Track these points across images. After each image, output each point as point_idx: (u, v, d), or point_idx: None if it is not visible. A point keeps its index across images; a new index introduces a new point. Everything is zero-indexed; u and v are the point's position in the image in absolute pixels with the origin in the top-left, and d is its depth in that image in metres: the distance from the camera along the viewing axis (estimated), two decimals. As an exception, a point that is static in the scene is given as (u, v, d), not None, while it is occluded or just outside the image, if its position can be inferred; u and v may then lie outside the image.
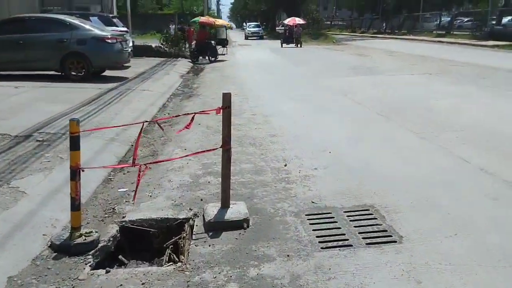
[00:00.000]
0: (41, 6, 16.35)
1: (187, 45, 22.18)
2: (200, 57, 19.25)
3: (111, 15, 14.89)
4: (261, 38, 45.99)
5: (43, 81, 10.69)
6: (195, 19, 22.86)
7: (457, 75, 12.49)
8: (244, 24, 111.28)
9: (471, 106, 8.34)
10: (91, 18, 13.44)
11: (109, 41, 11.30)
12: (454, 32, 35.43)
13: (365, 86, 11.05)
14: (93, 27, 11.53)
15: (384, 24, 50.92)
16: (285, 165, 5.08)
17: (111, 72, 12.48)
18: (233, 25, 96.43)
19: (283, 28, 34.33)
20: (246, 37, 46.80)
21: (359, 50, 24.90)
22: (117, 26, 13.71)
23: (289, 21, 32.19)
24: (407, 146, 5.85)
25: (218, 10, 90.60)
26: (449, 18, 42.63)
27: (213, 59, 19.13)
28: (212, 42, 20.07)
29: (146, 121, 3.78)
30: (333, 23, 56.37)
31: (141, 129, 3.47)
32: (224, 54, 21.92)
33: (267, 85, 11.92)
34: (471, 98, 9.16)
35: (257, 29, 49.53)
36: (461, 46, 26.22)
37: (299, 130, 6.78)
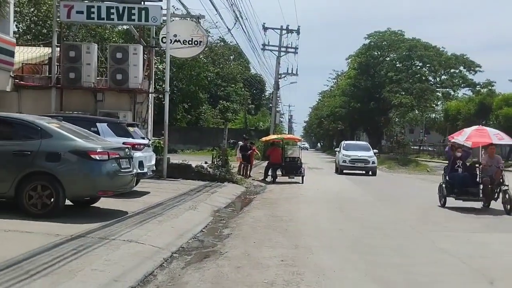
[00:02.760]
0: (58, 110, 13.31)
1: (242, 166, 18.10)
2: (287, 177, 17.80)
3: (127, 122, 11.14)
4: (371, 173, 23.62)
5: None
6: (280, 136, 23.39)
7: None
8: (319, 144, 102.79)
9: None
10: (98, 124, 9.68)
11: (97, 157, 7.23)
12: None
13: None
14: (76, 136, 7.52)
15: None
16: None
17: (109, 201, 8.32)
18: (307, 145, 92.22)
19: (447, 152, 12.37)
20: (340, 170, 23.98)
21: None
22: (132, 137, 9.81)
23: (475, 132, 11.22)
24: None
25: (290, 128, 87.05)
26: None
27: (301, 178, 17.57)
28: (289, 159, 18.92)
29: None
30: (422, 148, 50.09)
31: None
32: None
33: (340, 244, 6.99)
34: None
35: (365, 153, 24.11)
36: None
37: None
